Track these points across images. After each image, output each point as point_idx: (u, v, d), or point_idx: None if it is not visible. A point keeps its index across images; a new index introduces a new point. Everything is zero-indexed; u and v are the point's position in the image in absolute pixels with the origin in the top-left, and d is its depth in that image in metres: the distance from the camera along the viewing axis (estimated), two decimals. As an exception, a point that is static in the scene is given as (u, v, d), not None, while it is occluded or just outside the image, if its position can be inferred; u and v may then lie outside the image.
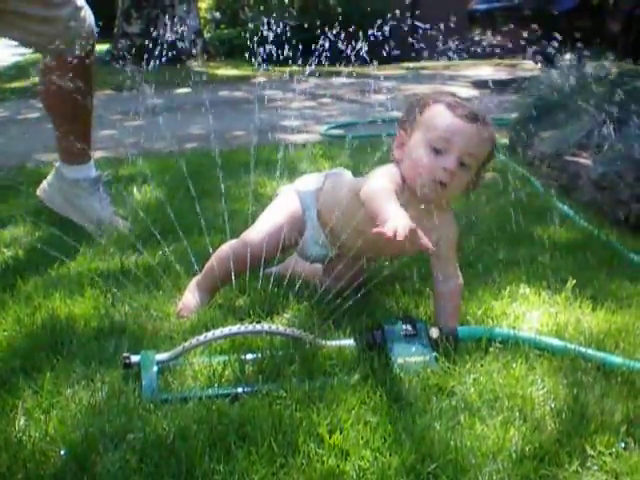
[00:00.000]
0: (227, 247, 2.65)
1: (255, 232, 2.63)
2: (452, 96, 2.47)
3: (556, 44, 5.97)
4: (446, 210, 2.46)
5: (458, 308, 2.47)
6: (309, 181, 2.80)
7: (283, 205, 2.72)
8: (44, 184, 3.62)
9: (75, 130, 3.38)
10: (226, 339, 2.25)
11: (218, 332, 2.17)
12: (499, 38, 9.18)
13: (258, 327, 2.23)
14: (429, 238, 2.13)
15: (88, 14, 3.34)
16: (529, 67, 10.38)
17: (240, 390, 2.03)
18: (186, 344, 2.15)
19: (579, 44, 5.42)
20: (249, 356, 2.18)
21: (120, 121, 7.02)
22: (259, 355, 2.18)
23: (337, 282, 2.49)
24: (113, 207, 3.62)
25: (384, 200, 2.24)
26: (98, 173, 3.59)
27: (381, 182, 2.35)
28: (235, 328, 2.20)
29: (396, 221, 2.08)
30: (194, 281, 2.66)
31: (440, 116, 2.38)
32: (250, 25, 11.73)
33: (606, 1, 5.96)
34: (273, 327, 2.25)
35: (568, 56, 5.73)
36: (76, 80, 3.23)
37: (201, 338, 2.15)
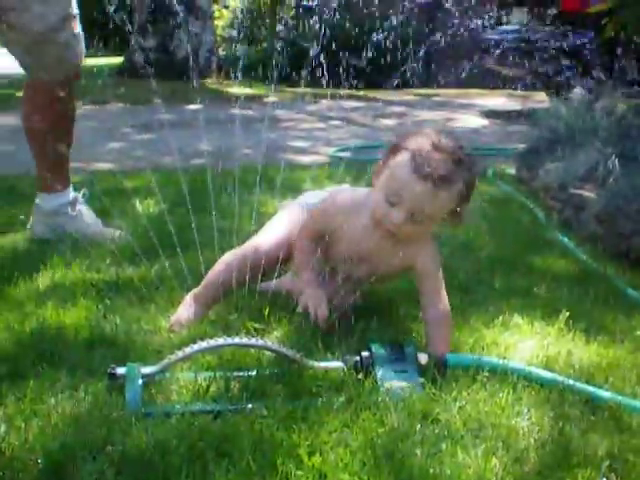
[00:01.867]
0: (231, 255, 2.67)
1: (263, 238, 2.69)
2: (434, 137, 2.42)
3: (567, 77, 5.99)
4: (423, 240, 2.52)
5: (448, 335, 2.46)
6: (313, 195, 2.84)
7: (288, 216, 2.77)
8: (32, 224, 3.61)
9: (55, 157, 3.44)
10: (213, 353, 2.24)
11: (204, 344, 2.16)
12: (512, 69, 9.23)
13: (245, 340, 2.22)
14: (391, 263, 2.45)
15: (82, 45, 3.42)
16: (540, 98, 10.38)
17: (223, 407, 2.02)
18: (172, 356, 2.14)
19: (590, 78, 5.44)
20: (235, 373, 2.17)
21: (130, 134, 7.08)
22: (245, 373, 2.17)
23: (330, 300, 2.51)
24: (99, 221, 3.67)
25: (303, 263, 2.57)
26: (75, 195, 3.63)
27: (306, 233, 2.59)
28: (222, 340, 2.19)
29: (307, 299, 2.46)
30: (191, 294, 2.66)
31: (400, 169, 2.39)
32: (265, 45, 11.82)
33: (619, 36, 5.97)
34: (261, 342, 2.24)
35: (578, 89, 5.75)
36: (58, 105, 3.34)
37: (187, 350, 2.14)
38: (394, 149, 2.45)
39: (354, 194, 2.65)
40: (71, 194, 3.61)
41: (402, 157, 2.40)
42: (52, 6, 3.24)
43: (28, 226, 3.60)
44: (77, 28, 3.37)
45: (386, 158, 2.47)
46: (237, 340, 2.22)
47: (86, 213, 3.64)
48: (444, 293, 2.50)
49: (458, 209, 2.45)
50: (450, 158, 2.37)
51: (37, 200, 3.59)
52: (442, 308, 2.47)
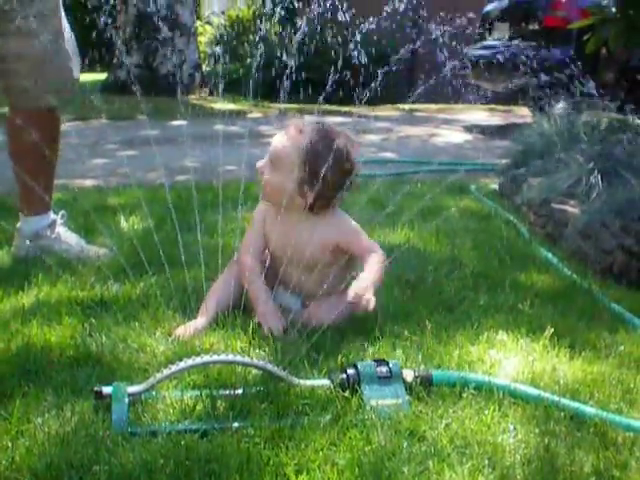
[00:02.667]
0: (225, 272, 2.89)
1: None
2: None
3: (549, 92, 6.02)
4: (333, 215, 2.83)
5: (378, 269, 2.67)
6: None
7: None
8: (15, 245, 3.60)
9: (39, 179, 3.37)
10: (199, 371, 2.25)
11: (190, 361, 2.16)
12: (494, 84, 9.27)
13: (231, 357, 2.22)
14: (317, 242, 2.72)
15: (77, 67, 3.47)
16: (523, 113, 10.45)
17: (209, 426, 2.01)
18: (158, 375, 2.14)
19: (572, 93, 5.47)
20: (221, 392, 2.17)
21: (113, 150, 7.06)
22: (231, 391, 2.17)
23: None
24: (82, 240, 3.66)
25: (250, 282, 2.78)
26: (53, 217, 3.62)
27: (245, 249, 2.87)
28: (207, 357, 2.19)
29: (258, 318, 2.68)
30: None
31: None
32: (248, 61, 11.84)
33: (600, 51, 6.01)
34: (247, 359, 2.24)
35: (561, 105, 5.78)
36: (44, 131, 3.33)
37: (174, 367, 2.14)
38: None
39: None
40: (51, 216, 3.61)
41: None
42: (46, 25, 3.27)
43: (12, 249, 3.58)
44: (72, 50, 3.42)
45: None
46: (223, 357, 2.23)
47: (65, 234, 3.63)
48: (374, 244, 2.80)
49: (308, 183, 2.71)
50: (311, 127, 2.76)
51: (19, 223, 3.59)
52: (378, 251, 2.74)
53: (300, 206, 2.76)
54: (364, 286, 2.54)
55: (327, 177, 2.68)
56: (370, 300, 2.51)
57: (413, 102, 10.99)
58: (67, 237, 3.62)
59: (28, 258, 3.44)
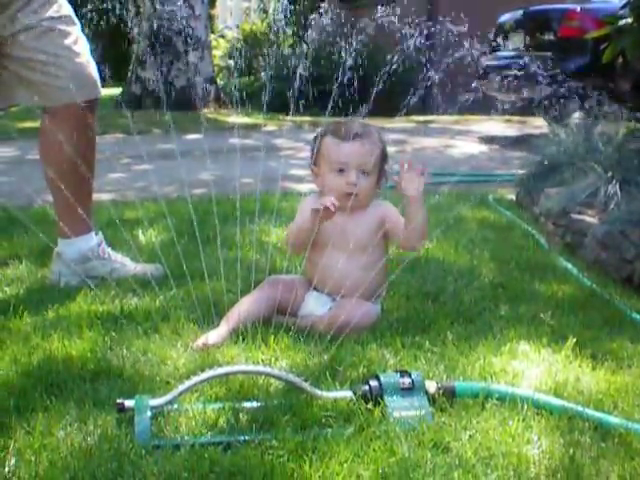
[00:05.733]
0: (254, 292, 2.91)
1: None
2: (333, 122, 3.04)
3: (565, 103, 6.02)
4: (370, 203, 2.97)
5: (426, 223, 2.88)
6: None
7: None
8: (54, 272, 3.37)
9: (78, 196, 3.20)
10: (221, 383, 2.24)
11: (212, 372, 2.16)
12: (510, 94, 9.26)
13: (252, 367, 2.23)
14: (361, 230, 2.88)
15: (92, 67, 3.31)
16: (539, 124, 10.43)
17: (233, 438, 2.01)
18: (180, 386, 2.14)
19: (588, 103, 5.46)
20: (244, 404, 2.16)
21: (129, 165, 7.08)
22: (254, 403, 2.17)
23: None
24: (127, 257, 3.53)
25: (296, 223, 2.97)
26: (99, 237, 3.46)
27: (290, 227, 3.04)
28: (229, 368, 2.20)
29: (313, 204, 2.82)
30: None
31: (329, 146, 2.93)
32: (263, 74, 11.88)
33: (616, 61, 6.00)
34: (268, 369, 2.24)
35: (577, 114, 5.77)
36: (79, 138, 3.19)
37: (195, 378, 2.14)
38: (316, 148, 2.96)
39: (313, 195, 3.06)
40: (95, 237, 3.44)
41: (325, 140, 2.94)
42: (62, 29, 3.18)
43: (49, 279, 3.37)
44: (83, 53, 3.27)
45: (315, 158, 2.97)
46: (244, 367, 2.23)
47: (114, 254, 3.46)
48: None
49: (383, 164, 2.96)
50: (353, 122, 2.98)
51: (58, 248, 3.36)
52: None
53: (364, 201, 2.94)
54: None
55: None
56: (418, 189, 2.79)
57: (428, 114, 10.96)
58: (116, 256, 3.47)
59: (70, 286, 3.27)
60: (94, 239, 3.42)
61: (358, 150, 2.89)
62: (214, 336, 2.65)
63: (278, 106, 8.31)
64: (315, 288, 2.93)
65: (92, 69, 3.30)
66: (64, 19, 3.21)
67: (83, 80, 3.23)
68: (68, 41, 3.20)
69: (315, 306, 2.89)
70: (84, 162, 3.19)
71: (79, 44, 3.25)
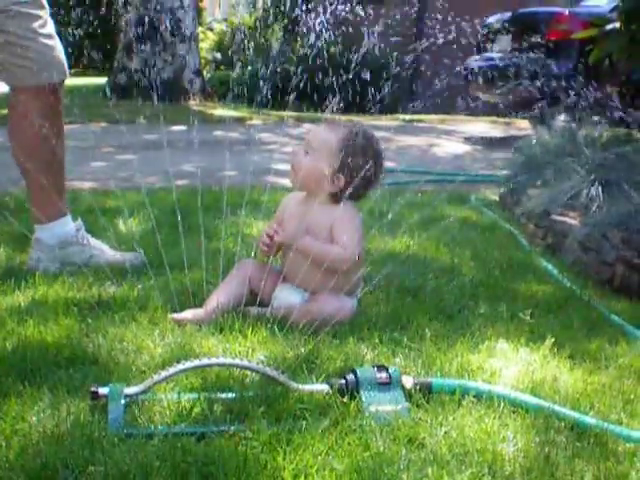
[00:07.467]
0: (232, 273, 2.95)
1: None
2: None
3: (550, 105, 6.02)
4: (345, 205, 2.87)
5: (328, 254, 2.79)
6: None
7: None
8: (32, 258, 3.33)
9: (49, 179, 3.20)
10: (197, 374, 2.23)
11: (188, 363, 2.14)
12: (495, 96, 9.27)
13: (229, 360, 2.21)
14: (323, 226, 2.84)
15: (59, 50, 3.29)
16: (523, 126, 10.44)
17: (207, 429, 1.99)
18: (155, 376, 2.12)
19: (573, 106, 5.46)
20: (219, 395, 2.15)
21: (112, 154, 7.04)
22: (229, 394, 2.15)
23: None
24: (106, 245, 3.49)
25: None
26: (78, 223, 3.42)
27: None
28: (206, 360, 2.18)
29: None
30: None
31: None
32: (249, 68, 11.85)
33: (602, 65, 6.01)
34: (245, 362, 2.23)
35: (562, 117, 5.77)
36: (45, 120, 3.18)
37: (171, 369, 2.12)
38: None
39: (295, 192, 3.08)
40: (72, 223, 3.41)
41: None
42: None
43: (27, 265, 3.32)
44: (52, 35, 3.25)
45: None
46: (221, 360, 2.21)
47: (93, 240, 3.43)
48: (350, 245, 2.80)
49: (340, 174, 2.84)
50: (351, 124, 2.98)
51: (36, 234, 3.34)
52: (343, 250, 2.80)
53: (326, 193, 2.88)
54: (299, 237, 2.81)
55: (362, 170, 2.81)
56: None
57: (413, 113, 10.98)
58: (96, 243, 3.44)
59: (50, 271, 3.24)
60: (70, 223, 3.41)
61: (312, 129, 2.98)
62: (190, 313, 2.72)
63: (264, 100, 8.29)
64: (286, 278, 2.90)
65: (59, 52, 3.30)
66: (33, 2, 3.20)
67: (50, 62, 3.23)
68: (36, 24, 3.19)
69: (289, 297, 2.87)
70: (52, 143, 3.20)
71: (47, 27, 3.25)
